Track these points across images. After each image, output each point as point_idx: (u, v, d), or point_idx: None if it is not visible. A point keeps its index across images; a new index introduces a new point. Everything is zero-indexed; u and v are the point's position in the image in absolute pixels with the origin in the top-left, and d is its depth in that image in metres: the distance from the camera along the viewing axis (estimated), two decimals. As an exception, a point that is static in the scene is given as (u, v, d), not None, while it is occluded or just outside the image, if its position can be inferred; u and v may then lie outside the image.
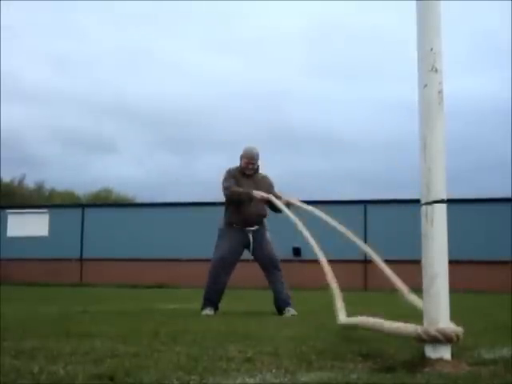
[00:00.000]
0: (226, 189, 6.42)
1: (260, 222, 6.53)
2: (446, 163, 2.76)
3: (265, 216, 6.58)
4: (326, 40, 66.54)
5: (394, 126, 62.09)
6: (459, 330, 2.63)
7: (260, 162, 6.60)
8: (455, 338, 2.60)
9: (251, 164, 6.48)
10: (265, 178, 6.64)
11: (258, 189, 6.39)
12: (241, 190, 6.37)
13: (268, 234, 6.57)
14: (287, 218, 5.52)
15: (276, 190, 6.60)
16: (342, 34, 66.85)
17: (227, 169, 6.58)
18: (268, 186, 6.55)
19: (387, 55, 62.26)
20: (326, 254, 4.50)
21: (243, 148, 6.57)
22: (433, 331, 2.59)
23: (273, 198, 6.20)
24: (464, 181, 46.54)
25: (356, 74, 67.36)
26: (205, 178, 60.10)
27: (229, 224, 6.51)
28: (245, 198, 6.34)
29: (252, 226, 6.46)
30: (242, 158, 6.52)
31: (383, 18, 60.75)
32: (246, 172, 6.50)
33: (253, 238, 6.46)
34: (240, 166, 6.53)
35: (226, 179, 6.49)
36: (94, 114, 67.21)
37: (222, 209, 6.64)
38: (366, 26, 61.71)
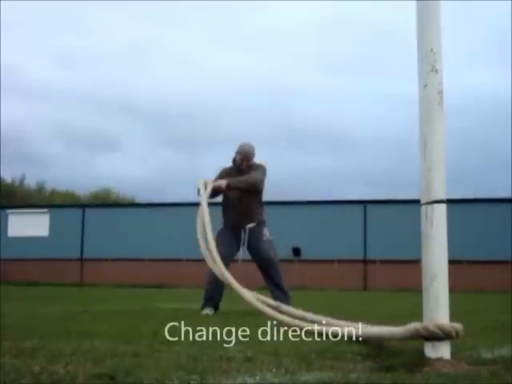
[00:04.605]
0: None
1: (251, 220, 6.35)
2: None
3: (254, 213, 6.37)
4: (333, 37, 66.49)
5: (403, 124, 61.94)
6: (458, 326, 2.64)
7: (256, 158, 6.38)
8: (454, 334, 2.61)
9: (246, 162, 6.29)
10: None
11: None
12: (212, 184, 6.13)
13: (267, 232, 6.43)
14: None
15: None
16: (350, 30, 66.82)
17: (222, 167, 6.47)
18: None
19: (396, 52, 62.02)
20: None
21: (239, 144, 6.38)
22: (431, 327, 2.60)
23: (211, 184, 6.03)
24: (479, 179, 46.55)
25: (363, 72, 67.26)
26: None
27: (223, 224, 6.53)
28: (214, 191, 6.17)
29: (242, 226, 6.31)
30: (236, 154, 6.34)
31: (386, 16, 60.70)
32: (241, 169, 6.32)
33: (248, 236, 6.33)
34: (234, 161, 6.37)
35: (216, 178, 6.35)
36: (96, 113, 67.20)
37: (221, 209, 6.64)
38: (373, 23, 61.74)
